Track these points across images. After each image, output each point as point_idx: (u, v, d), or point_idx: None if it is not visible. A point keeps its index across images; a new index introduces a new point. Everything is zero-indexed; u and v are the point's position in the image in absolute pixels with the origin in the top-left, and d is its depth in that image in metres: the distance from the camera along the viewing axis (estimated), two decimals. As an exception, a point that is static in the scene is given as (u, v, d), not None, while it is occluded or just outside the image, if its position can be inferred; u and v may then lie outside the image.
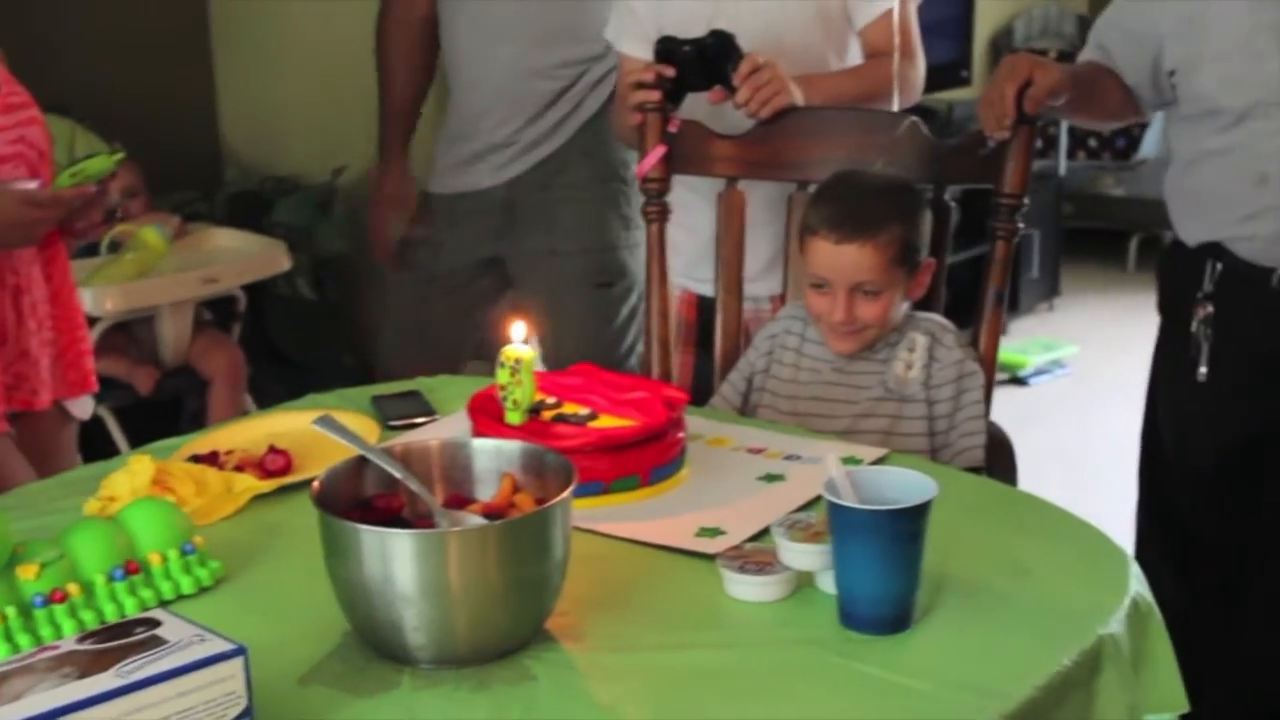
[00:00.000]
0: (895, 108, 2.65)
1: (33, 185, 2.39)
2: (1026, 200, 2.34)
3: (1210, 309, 2.43)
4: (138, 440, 3.20)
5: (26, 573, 1.58)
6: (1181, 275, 2.50)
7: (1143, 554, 2.63)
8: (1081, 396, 5.38)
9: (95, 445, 3.24)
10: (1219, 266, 2.43)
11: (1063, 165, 6.56)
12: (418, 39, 3.39)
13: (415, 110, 3.49)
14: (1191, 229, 2.48)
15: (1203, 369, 2.45)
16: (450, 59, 3.35)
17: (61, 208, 2.40)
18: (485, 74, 3.26)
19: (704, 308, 2.75)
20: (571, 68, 3.20)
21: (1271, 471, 2.48)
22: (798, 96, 2.47)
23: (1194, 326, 2.45)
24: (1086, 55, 2.58)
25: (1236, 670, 2.56)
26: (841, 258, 2.21)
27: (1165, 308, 2.58)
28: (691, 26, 2.50)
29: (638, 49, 2.68)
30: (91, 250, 3.40)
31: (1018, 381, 5.53)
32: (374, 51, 3.46)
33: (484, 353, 3.17)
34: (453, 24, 3.31)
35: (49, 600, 1.58)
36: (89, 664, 1.31)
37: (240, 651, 1.34)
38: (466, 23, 3.27)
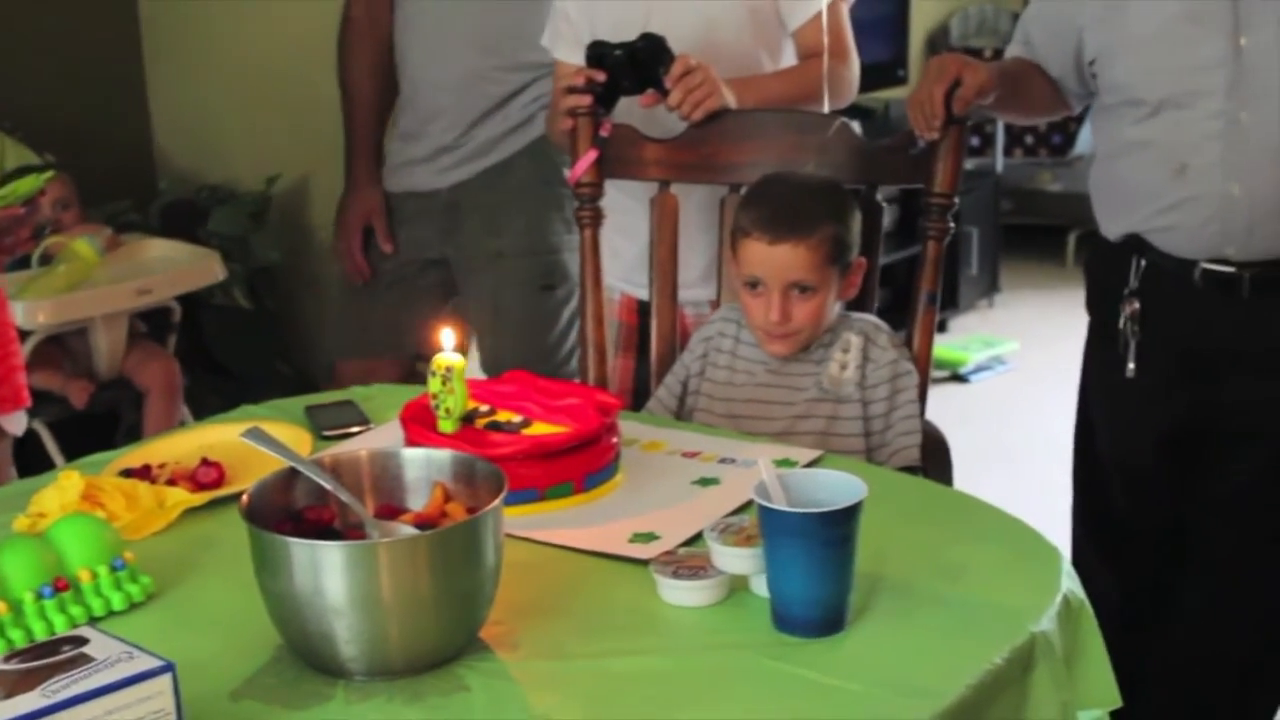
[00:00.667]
0: (827, 109, 2.66)
1: None
2: (957, 200, 2.34)
3: (1136, 305, 2.44)
4: (74, 454, 3.16)
5: (-48, 592, 1.56)
6: (1107, 272, 2.51)
7: (1079, 551, 2.66)
8: (1022, 392, 5.41)
9: (31, 459, 3.21)
10: (1143, 263, 2.44)
11: (1000, 162, 6.59)
12: (383, 54, 3.39)
13: (381, 126, 3.49)
14: (1113, 223, 2.48)
15: (1130, 365, 2.46)
16: (402, 61, 3.36)
17: None
18: (435, 76, 3.27)
19: (644, 312, 2.75)
20: (520, 73, 3.21)
21: (1200, 468, 2.50)
22: (730, 99, 2.47)
23: (1121, 323, 2.46)
24: (1013, 51, 2.59)
25: (1174, 667, 2.57)
26: (775, 257, 2.21)
27: (1093, 305, 2.59)
28: (624, 30, 2.50)
29: (572, 54, 2.67)
30: (23, 264, 3.36)
31: (958, 379, 5.56)
32: (337, 70, 3.45)
33: (428, 354, 3.17)
34: (405, 26, 3.32)
35: (-25, 619, 1.56)
36: (15, 684, 1.29)
37: (168, 668, 1.33)
38: (418, 25, 3.28)
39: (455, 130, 3.28)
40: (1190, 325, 2.42)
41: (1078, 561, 2.60)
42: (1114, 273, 2.48)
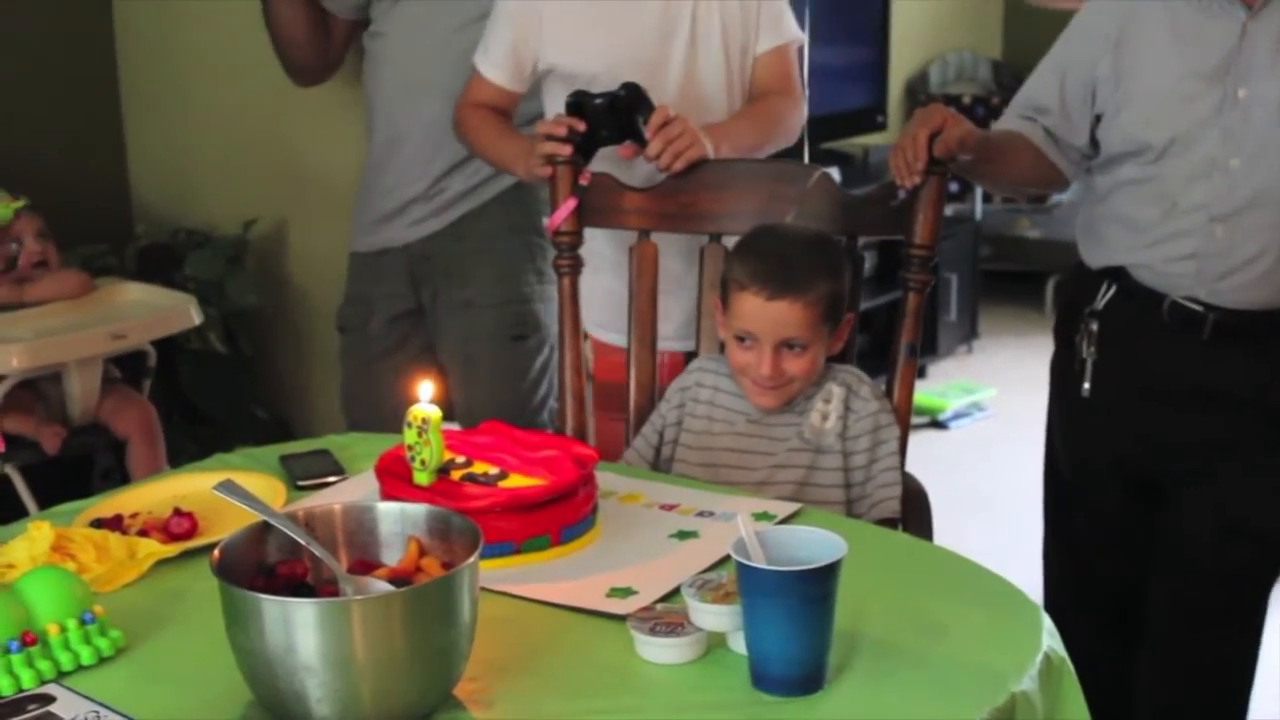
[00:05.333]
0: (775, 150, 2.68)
1: None
2: (936, 252, 2.34)
3: (1095, 327, 2.51)
4: (47, 498, 3.14)
5: (-82, 646, 1.54)
6: (1078, 294, 2.58)
7: (1050, 588, 2.71)
8: (1001, 439, 5.41)
9: (3, 505, 3.18)
10: (1114, 288, 2.50)
11: (979, 209, 6.62)
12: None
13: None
14: (1097, 253, 2.54)
15: (1086, 385, 2.53)
16: (372, 113, 3.34)
17: None
18: (406, 127, 3.25)
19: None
20: None
21: (1157, 506, 2.55)
22: (709, 149, 2.47)
23: (1078, 340, 2.52)
24: (1007, 124, 2.60)
25: (1144, 715, 2.58)
26: (770, 313, 2.20)
27: (1058, 328, 2.65)
28: (597, 73, 2.52)
29: (500, 76, 2.72)
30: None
31: (937, 425, 5.56)
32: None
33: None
34: (376, 77, 3.31)
35: (-59, 675, 1.54)
36: (-22, 745, 1.27)
37: (136, 729, 1.31)
38: (389, 75, 3.26)
39: (424, 181, 3.26)
40: (1148, 355, 2.49)
41: (1050, 597, 2.64)
42: (1084, 295, 2.55)
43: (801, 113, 2.76)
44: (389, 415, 2.86)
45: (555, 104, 2.67)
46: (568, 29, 2.66)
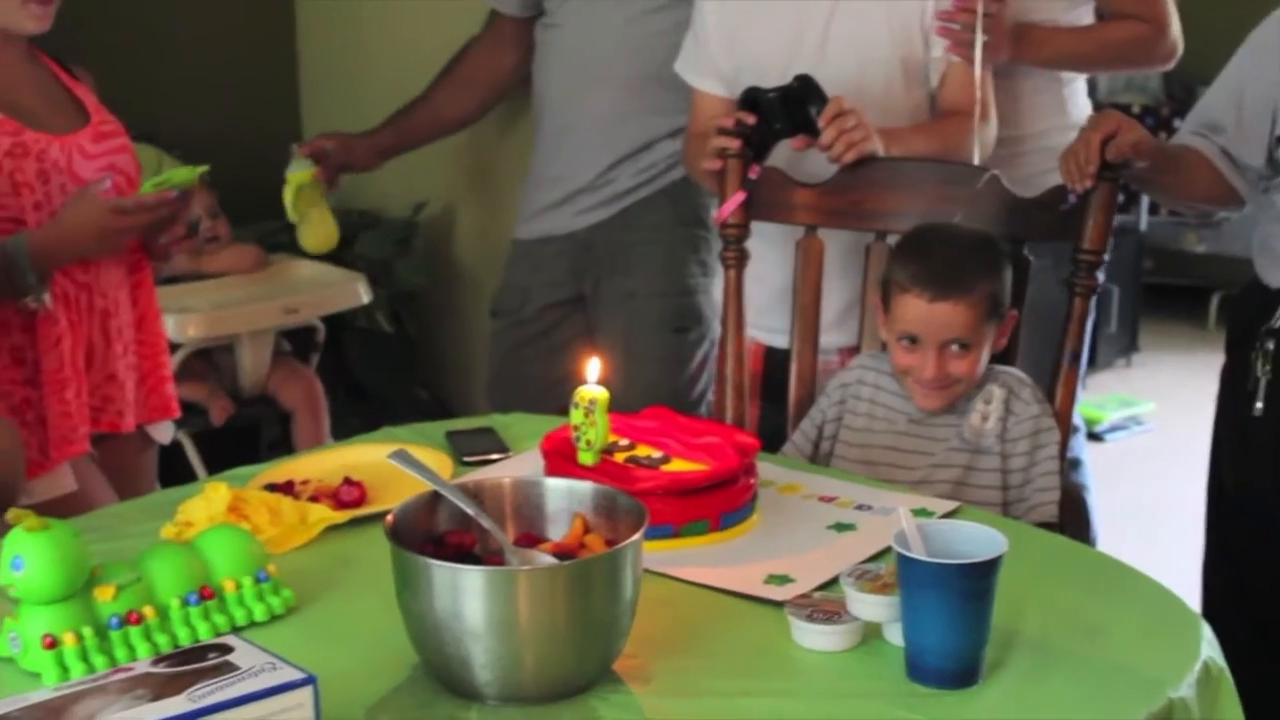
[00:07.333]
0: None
1: (106, 185, 2.42)
2: (1107, 257, 2.33)
3: (1271, 346, 2.44)
4: (215, 466, 3.23)
5: (104, 594, 1.60)
6: (1253, 311, 2.51)
7: (1209, 601, 2.65)
8: (1157, 454, 5.33)
9: (173, 470, 3.27)
10: None
11: (1144, 220, 6.52)
12: (485, 96, 3.54)
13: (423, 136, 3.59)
14: (1275, 272, 2.48)
15: (1259, 404, 2.46)
16: (540, 104, 3.38)
17: (145, 215, 2.43)
18: (576, 118, 3.28)
19: (770, 359, 2.75)
20: (663, 117, 3.17)
21: None
22: (879, 145, 2.47)
23: (1252, 358, 2.46)
24: (1182, 139, 2.56)
25: None
26: (935, 315, 2.21)
27: (1231, 345, 2.59)
28: (769, 68, 2.52)
29: (704, 82, 2.73)
30: (170, 279, 3.44)
31: (1093, 437, 5.48)
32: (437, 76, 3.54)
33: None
34: (547, 67, 3.34)
35: (124, 622, 1.60)
36: (162, 687, 1.33)
37: (310, 680, 1.36)
38: (562, 66, 3.29)
39: (592, 172, 3.28)
40: None
41: (1209, 610, 2.60)
42: (1260, 313, 2.48)
43: (989, 131, 2.69)
44: (533, 400, 2.92)
45: None
46: (724, 28, 2.68)
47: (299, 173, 3.24)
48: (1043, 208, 2.39)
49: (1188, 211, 5.49)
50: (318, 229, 3.28)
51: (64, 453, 2.47)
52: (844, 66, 2.59)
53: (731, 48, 2.72)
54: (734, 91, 2.65)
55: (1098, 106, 2.88)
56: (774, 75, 2.52)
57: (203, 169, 2.51)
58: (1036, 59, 2.76)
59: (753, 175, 2.50)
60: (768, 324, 2.69)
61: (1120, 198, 6.57)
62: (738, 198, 2.50)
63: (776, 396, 2.62)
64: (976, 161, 2.62)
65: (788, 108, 2.45)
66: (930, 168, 2.51)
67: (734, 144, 2.48)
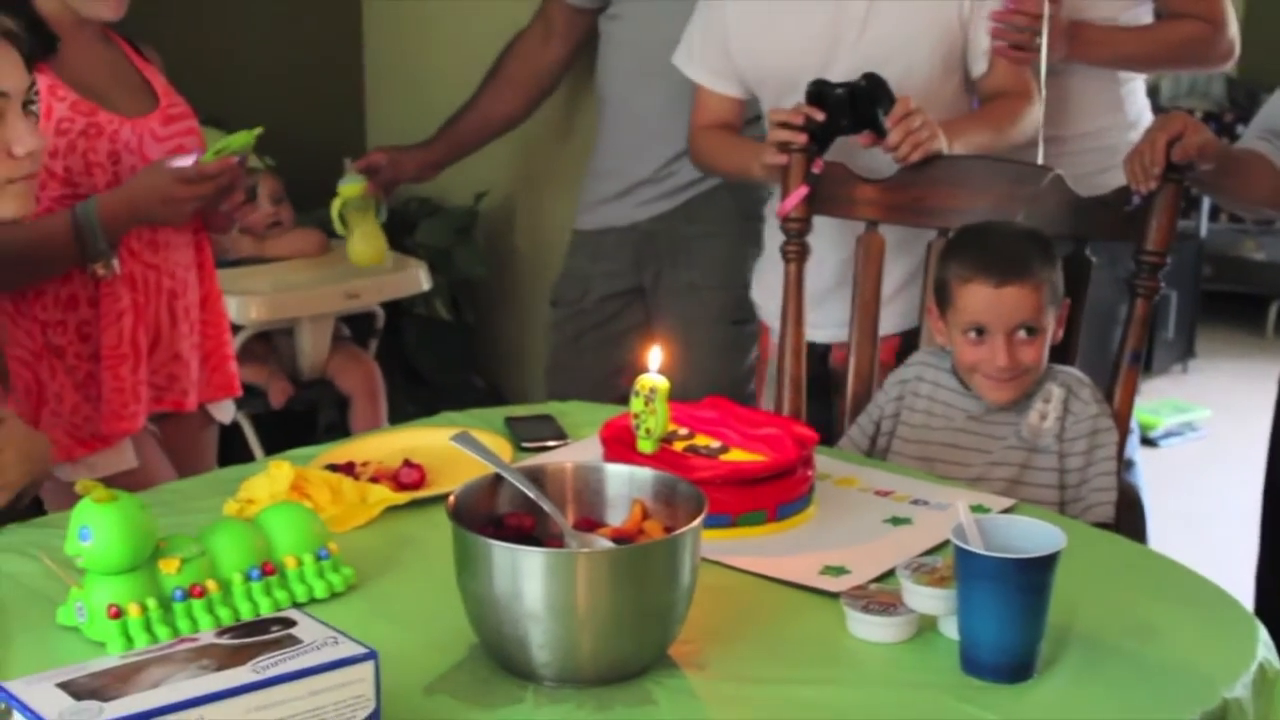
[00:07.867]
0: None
1: (187, 161, 2.45)
2: (1169, 259, 2.32)
3: None
4: (272, 448, 3.26)
5: (168, 567, 1.63)
6: None
7: (1265, 605, 2.64)
8: (1212, 461, 5.30)
9: (231, 451, 3.31)
10: None
11: (1204, 227, 6.48)
12: (533, 89, 3.55)
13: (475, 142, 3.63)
14: None
15: None
16: (602, 96, 3.39)
17: (209, 184, 2.46)
18: (638, 110, 3.29)
19: (813, 355, 2.74)
20: None
21: None
22: (945, 144, 2.48)
23: None
24: (1248, 143, 2.55)
25: None
26: (1003, 300, 2.21)
27: None
28: (802, 69, 2.54)
29: (721, 83, 2.77)
30: (233, 262, 3.48)
31: (1148, 442, 5.44)
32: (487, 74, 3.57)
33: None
34: (610, 59, 3.36)
35: (188, 595, 1.63)
36: (226, 658, 1.34)
37: (371, 656, 1.37)
38: (624, 58, 3.31)
39: (654, 164, 3.30)
40: None
41: (1263, 617, 2.58)
42: None
43: (1035, 110, 2.71)
44: (591, 390, 2.93)
45: None
46: (748, 29, 2.69)
47: (348, 186, 3.30)
48: (1105, 207, 2.39)
49: (1249, 215, 5.45)
50: (364, 243, 3.34)
51: (115, 429, 2.50)
52: (882, 66, 2.56)
53: (755, 48, 2.72)
54: (746, 91, 2.67)
55: (1159, 111, 2.86)
56: (807, 76, 2.53)
57: (258, 130, 2.53)
58: (1092, 58, 2.76)
59: (816, 170, 2.50)
60: (812, 320, 2.69)
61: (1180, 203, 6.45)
62: (800, 192, 2.50)
63: (818, 392, 2.62)
64: (1040, 148, 2.62)
65: (855, 105, 2.46)
66: (994, 166, 2.50)
67: (800, 138, 2.48)
